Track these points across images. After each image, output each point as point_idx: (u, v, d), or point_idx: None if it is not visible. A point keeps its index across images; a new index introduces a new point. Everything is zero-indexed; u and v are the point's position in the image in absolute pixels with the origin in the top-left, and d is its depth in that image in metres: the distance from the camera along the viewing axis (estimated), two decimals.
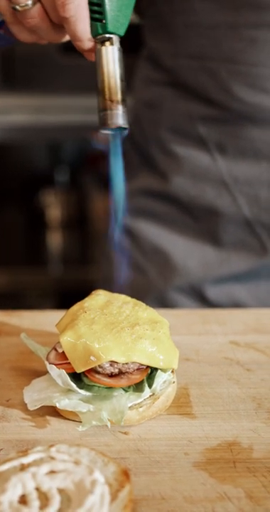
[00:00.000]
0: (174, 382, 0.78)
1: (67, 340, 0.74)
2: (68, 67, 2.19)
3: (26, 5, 0.76)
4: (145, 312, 0.79)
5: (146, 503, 0.62)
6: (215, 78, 1.09)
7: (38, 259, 2.57)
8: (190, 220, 1.19)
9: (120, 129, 0.77)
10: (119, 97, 0.76)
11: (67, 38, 0.82)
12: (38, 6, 0.77)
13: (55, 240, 2.61)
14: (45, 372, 0.79)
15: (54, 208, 2.56)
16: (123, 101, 0.77)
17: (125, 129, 0.78)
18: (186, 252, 1.18)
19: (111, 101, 0.76)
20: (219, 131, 1.12)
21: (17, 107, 2.26)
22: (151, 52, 1.20)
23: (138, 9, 1.25)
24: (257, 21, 1.03)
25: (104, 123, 0.77)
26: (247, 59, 1.05)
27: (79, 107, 2.06)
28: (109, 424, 0.72)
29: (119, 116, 0.76)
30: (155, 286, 1.20)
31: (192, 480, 0.65)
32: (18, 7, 0.76)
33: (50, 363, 0.76)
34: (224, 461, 0.68)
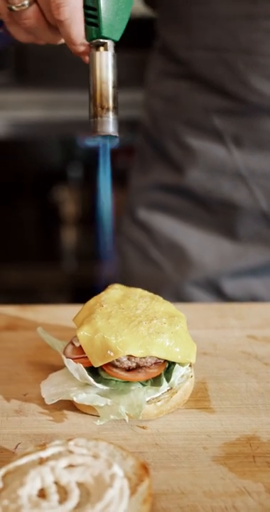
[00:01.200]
0: (192, 376, 0.77)
1: (84, 334, 0.74)
2: (80, 62, 2.19)
3: (22, 5, 0.75)
4: (162, 306, 0.78)
5: (165, 497, 0.62)
6: (232, 70, 1.07)
7: (51, 255, 2.57)
8: (206, 213, 1.18)
9: (110, 137, 0.75)
10: (110, 104, 0.75)
11: (63, 40, 0.81)
12: (34, 6, 0.76)
13: (68, 236, 2.60)
14: (62, 367, 0.78)
15: (68, 203, 2.56)
16: (115, 108, 0.75)
17: (115, 137, 0.76)
18: (202, 245, 1.18)
19: (102, 108, 0.74)
20: (235, 124, 1.11)
21: (30, 103, 2.26)
22: (165, 45, 1.19)
23: (150, 2, 1.24)
24: None
25: (93, 130, 0.75)
26: (265, 50, 1.04)
27: None
28: (126, 418, 0.71)
29: (109, 124, 0.74)
30: (171, 281, 1.19)
31: (212, 474, 0.65)
32: (14, 7, 0.76)
33: (67, 357, 0.76)
34: (243, 456, 0.68)
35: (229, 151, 1.12)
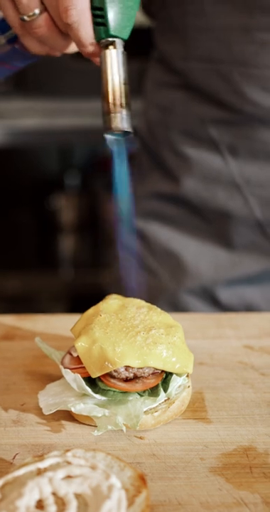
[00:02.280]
0: (189, 386, 0.78)
1: (82, 345, 0.74)
2: (79, 71, 2.19)
3: (33, 14, 0.77)
4: (159, 316, 0.78)
5: (162, 508, 0.62)
6: (227, 81, 1.08)
7: (49, 263, 2.57)
8: (202, 222, 1.18)
9: (124, 133, 0.77)
10: (122, 100, 0.76)
11: (75, 46, 0.82)
12: (44, 15, 0.77)
13: (66, 244, 2.61)
14: (60, 377, 0.79)
15: (65, 211, 2.57)
16: (127, 104, 0.77)
17: (129, 132, 0.77)
18: (198, 254, 1.18)
19: (115, 105, 0.76)
20: (230, 134, 1.12)
21: (28, 111, 2.26)
22: (162, 55, 1.20)
23: (148, 12, 1.25)
24: (269, 24, 1.03)
25: (107, 127, 0.76)
26: (259, 62, 1.05)
27: (89, 111, 2.06)
28: (124, 428, 0.72)
29: (123, 120, 0.76)
30: (167, 289, 1.20)
31: (209, 485, 0.65)
32: (25, 17, 0.77)
33: (64, 368, 0.76)
34: (240, 467, 0.68)
35: (225, 160, 1.13)
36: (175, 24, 1.14)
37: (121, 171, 0.80)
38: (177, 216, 1.20)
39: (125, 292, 0.84)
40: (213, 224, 1.17)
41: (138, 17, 1.38)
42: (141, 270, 1.24)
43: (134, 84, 1.58)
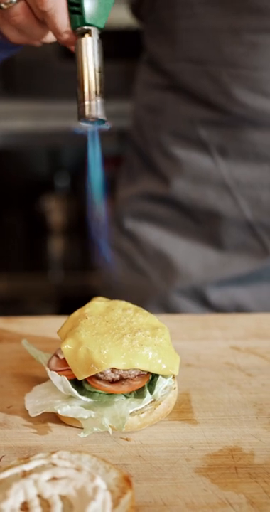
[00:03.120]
0: (175, 388, 0.78)
1: (68, 348, 0.74)
2: (68, 73, 2.19)
3: (11, 1, 0.77)
4: (146, 318, 0.79)
5: (147, 509, 0.62)
6: (216, 82, 1.09)
7: (38, 265, 2.56)
8: (192, 223, 1.19)
9: (99, 120, 0.77)
10: (97, 88, 0.76)
11: (53, 35, 0.82)
12: (21, 2, 0.78)
13: (55, 246, 2.61)
14: (47, 379, 0.79)
15: (54, 213, 2.56)
16: (102, 93, 0.77)
17: (103, 121, 0.77)
18: (188, 255, 1.19)
19: (89, 92, 0.76)
20: (220, 135, 1.13)
21: (17, 113, 2.26)
22: (151, 57, 1.21)
23: (137, 14, 1.26)
24: (258, 26, 1.03)
25: (82, 115, 0.76)
26: (248, 63, 1.06)
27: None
28: (110, 430, 0.72)
29: (97, 108, 0.76)
30: (157, 290, 1.20)
31: (194, 486, 0.65)
32: (2, 5, 0.77)
33: (51, 370, 0.76)
34: (225, 467, 0.68)
35: (214, 161, 1.14)
36: (164, 26, 1.14)
37: (94, 160, 0.80)
38: (168, 217, 1.21)
39: (114, 294, 0.84)
40: (203, 224, 1.18)
41: (127, 19, 1.39)
42: (131, 270, 1.24)
43: (124, 86, 1.59)
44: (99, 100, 0.76)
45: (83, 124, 0.78)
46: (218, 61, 1.08)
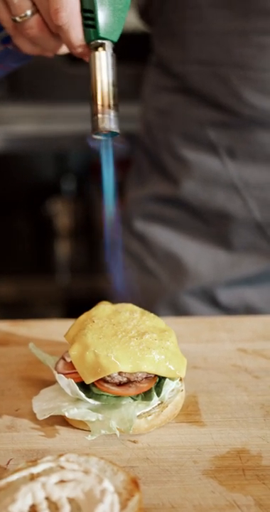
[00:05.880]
0: (182, 390, 0.78)
1: (75, 352, 0.75)
2: (74, 77, 2.20)
3: (25, 15, 0.78)
4: (152, 321, 0.79)
5: (155, 511, 0.62)
6: (225, 84, 1.09)
7: (45, 268, 2.57)
8: (201, 224, 1.19)
9: (112, 133, 0.78)
10: (110, 101, 0.77)
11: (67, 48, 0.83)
12: (36, 16, 0.78)
13: (62, 249, 2.61)
14: (54, 382, 0.79)
15: (61, 217, 2.57)
16: (115, 106, 0.77)
17: (117, 133, 0.78)
18: (197, 256, 1.19)
19: (103, 106, 0.77)
20: (229, 136, 1.13)
21: (23, 117, 2.27)
22: (160, 60, 1.21)
23: (145, 18, 1.26)
24: (266, 27, 1.04)
25: (95, 128, 0.77)
26: (257, 65, 1.06)
27: (85, 116, 2.07)
28: (117, 432, 0.72)
29: (111, 121, 0.76)
30: (167, 291, 1.21)
31: (202, 488, 0.65)
32: (17, 18, 0.78)
33: (58, 373, 0.76)
34: (233, 469, 0.68)
35: (224, 162, 1.14)
36: (173, 29, 1.15)
37: (108, 173, 0.81)
38: (177, 218, 1.21)
39: (122, 296, 0.84)
40: (212, 226, 1.18)
41: (135, 22, 1.39)
42: (141, 272, 1.24)
43: (132, 89, 1.59)
44: (112, 113, 0.77)
45: (96, 137, 0.78)
46: (227, 63, 1.09)
